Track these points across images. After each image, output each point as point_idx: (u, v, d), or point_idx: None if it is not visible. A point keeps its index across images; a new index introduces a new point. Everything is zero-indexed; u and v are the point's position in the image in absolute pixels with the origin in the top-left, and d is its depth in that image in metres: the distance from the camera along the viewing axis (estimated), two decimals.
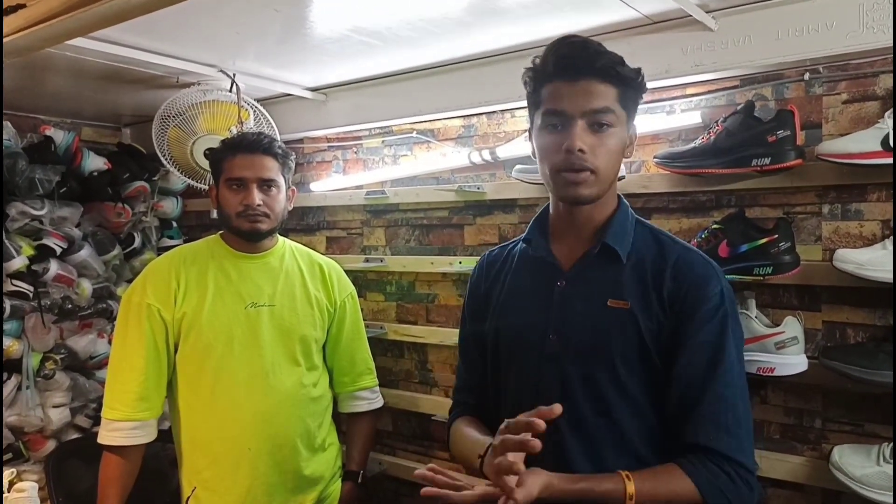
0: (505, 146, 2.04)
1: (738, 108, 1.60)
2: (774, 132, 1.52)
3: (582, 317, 1.12)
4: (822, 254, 1.59)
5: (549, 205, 1.23)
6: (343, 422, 1.96)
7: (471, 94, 1.99)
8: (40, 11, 1.24)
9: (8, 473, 1.36)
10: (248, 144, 1.70)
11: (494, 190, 2.08)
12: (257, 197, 1.66)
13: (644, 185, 1.78)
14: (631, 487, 0.96)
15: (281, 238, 1.84)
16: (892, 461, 1.15)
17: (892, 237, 1.12)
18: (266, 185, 1.69)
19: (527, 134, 1.28)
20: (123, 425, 1.63)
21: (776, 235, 1.52)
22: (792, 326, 1.51)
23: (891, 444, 1.39)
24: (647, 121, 1.79)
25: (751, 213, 1.64)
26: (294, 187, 1.84)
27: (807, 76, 1.60)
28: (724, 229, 1.58)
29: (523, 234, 1.28)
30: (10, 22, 1.29)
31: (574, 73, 1.04)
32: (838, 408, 1.58)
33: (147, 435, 1.66)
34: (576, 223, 1.16)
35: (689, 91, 1.76)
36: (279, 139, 1.87)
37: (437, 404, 2.22)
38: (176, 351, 1.69)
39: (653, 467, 1.04)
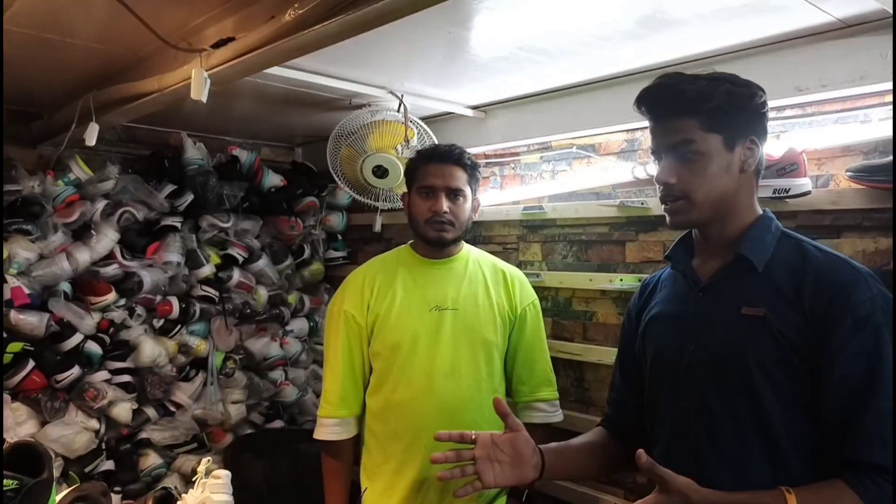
0: None
1: None
2: None
3: (715, 327, 1.16)
4: None
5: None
6: None
7: None
8: (246, 44, 1.38)
9: (204, 461, 1.51)
10: (441, 155, 1.80)
11: (659, 205, 2.00)
12: (444, 204, 1.75)
13: (834, 200, 1.64)
14: (792, 501, 0.94)
15: (466, 245, 1.92)
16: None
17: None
18: (453, 194, 1.77)
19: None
20: (328, 422, 1.81)
21: None
22: None
23: None
24: (838, 131, 1.65)
25: None
26: (479, 198, 1.90)
27: None
28: None
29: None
30: (219, 54, 1.45)
31: None
32: None
33: (347, 432, 1.82)
34: (710, 240, 1.23)
35: (889, 98, 1.60)
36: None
37: (594, 425, 2.16)
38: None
39: (815, 483, 1.01)
